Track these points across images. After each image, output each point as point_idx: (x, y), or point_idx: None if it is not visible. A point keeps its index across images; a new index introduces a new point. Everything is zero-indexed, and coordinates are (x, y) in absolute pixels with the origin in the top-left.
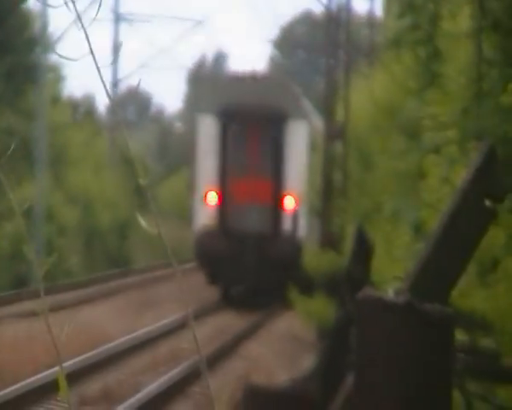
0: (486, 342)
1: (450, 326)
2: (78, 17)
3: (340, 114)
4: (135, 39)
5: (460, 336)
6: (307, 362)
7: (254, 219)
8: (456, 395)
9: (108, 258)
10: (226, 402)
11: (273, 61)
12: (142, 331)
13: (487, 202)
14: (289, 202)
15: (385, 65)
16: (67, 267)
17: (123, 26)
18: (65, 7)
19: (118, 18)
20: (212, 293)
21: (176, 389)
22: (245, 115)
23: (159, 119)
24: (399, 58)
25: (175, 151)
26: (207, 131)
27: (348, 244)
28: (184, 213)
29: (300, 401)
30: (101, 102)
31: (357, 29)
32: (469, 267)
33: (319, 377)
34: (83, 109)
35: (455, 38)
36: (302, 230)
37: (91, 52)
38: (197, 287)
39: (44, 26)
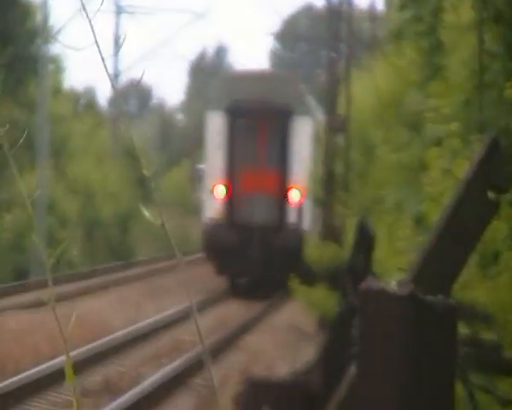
0: (488, 335)
1: (453, 318)
2: (83, 7)
3: (342, 107)
4: (136, 31)
5: (461, 328)
6: (309, 350)
7: (261, 212)
8: (458, 387)
9: (110, 249)
10: (229, 394)
11: (275, 54)
12: (143, 323)
13: (490, 194)
14: (295, 195)
15: (387, 57)
16: (69, 259)
17: (124, 18)
18: None
19: (119, 10)
20: (215, 284)
21: (177, 380)
22: (252, 111)
23: (160, 110)
24: (401, 50)
25: (176, 143)
26: (216, 126)
27: (350, 236)
28: (186, 204)
29: (302, 392)
30: (103, 94)
31: (358, 22)
32: (471, 259)
33: (321, 369)
34: (84, 101)
35: (457, 30)
36: (307, 222)
37: (96, 42)
38: (200, 278)
39: (45, 17)
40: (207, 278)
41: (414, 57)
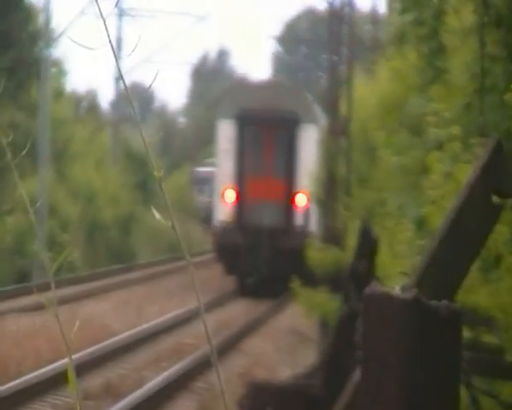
0: (489, 339)
1: (457, 322)
2: (99, 9)
3: (343, 110)
4: (138, 34)
5: (463, 332)
6: (310, 353)
7: (268, 215)
8: (462, 391)
9: (111, 253)
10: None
11: (276, 57)
12: (145, 326)
13: (495, 198)
14: (301, 200)
15: (389, 60)
16: (70, 262)
17: (126, 21)
18: (71, 1)
19: (121, 13)
20: (218, 285)
21: (179, 384)
22: (261, 120)
23: (162, 114)
24: (403, 54)
25: (178, 146)
26: (226, 134)
27: (351, 239)
28: (186, 207)
29: (304, 396)
30: (105, 98)
31: (360, 25)
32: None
33: (323, 373)
34: (86, 104)
35: (458, 33)
36: (313, 225)
37: (110, 43)
38: (205, 280)
39: (48, 20)
40: (211, 279)
41: (415, 60)
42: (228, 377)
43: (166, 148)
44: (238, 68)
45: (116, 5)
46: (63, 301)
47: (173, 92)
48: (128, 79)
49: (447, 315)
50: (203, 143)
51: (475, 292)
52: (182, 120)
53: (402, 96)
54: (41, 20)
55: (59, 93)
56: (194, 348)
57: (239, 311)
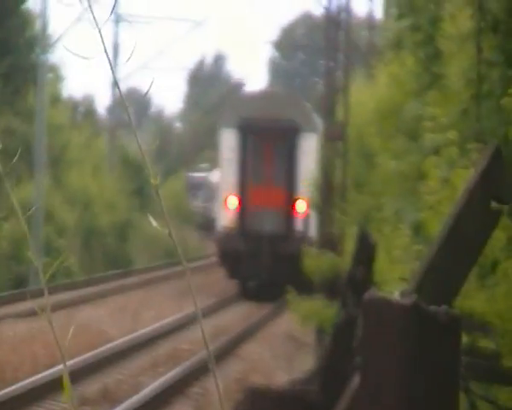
0: (486, 344)
1: (456, 328)
2: (93, 17)
3: (340, 115)
4: (135, 40)
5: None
6: (306, 359)
7: (269, 221)
8: (460, 397)
9: (107, 259)
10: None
11: (273, 63)
12: (141, 332)
13: (493, 204)
14: (301, 206)
15: (386, 66)
16: (67, 267)
17: (123, 27)
18: (65, 7)
19: (118, 19)
20: (218, 290)
21: (175, 389)
22: (262, 129)
23: (158, 119)
24: (400, 59)
25: (174, 151)
26: (228, 143)
27: (348, 245)
28: (182, 213)
29: (302, 402)
30: (101, 103)
31: (356, 31)
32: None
33: (321, 378)
34: (82, 110)
35: (455, 39)
36: (312, 231)
37: (105, 50)
38: (202, 285)
39: (44, 26)
40: (209, 285)
41: (412, 66)
42: (224, 383)
43: (163, 153)
44: (235, 74)
45: (112, 12)
46: (60, 306)
47: (170, 97)
48: (125, 85)
49: (446, 321)
50: (199, 148)
51: (472, 297)
52: (178, 125)
53: (399, 102)
54: (38, 26)
55: (55, 99)
56: (191, 354)
57: (236, 316)
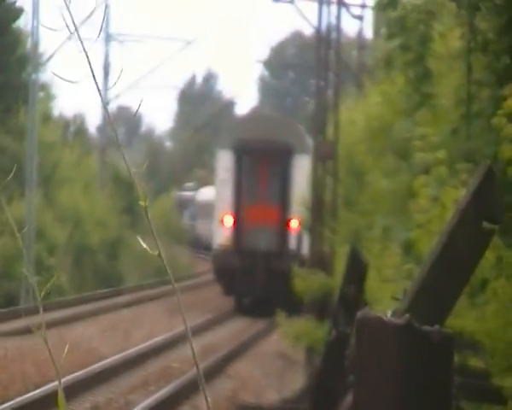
0: (475, 363)
1: (449, 347)
2: (80, 40)
3: (330, 134)
4: (124, 60)
5: None
6: (297, 377)
7: (264, 239)
8: None
9: (98, 276)
10: None
11: (263, 82)
12: (132, 350)
13: (485, 224)
14: (294, 225)
15: (376, 85)
16: (57, 285)
17: (113, 46)
18: (59, 26)
19: (108, 38)
20: (205, 310)
21: (166, 408)
22: (257, 150)
23: (149, 138)
24: (390, 78)
25: (165, 170)
26: (224, 164)
27: (338, 264)
28: (172, 232)
29: None
30: (92, 122)
31: (346, 50)
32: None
33: (312, 397)
34: (73, 128)
35: (445, 59)
36: (305, 248)
37: (92, 74)
38: (192, 303)
39: (36, 44)
40: (200, 302)
41: (402, 85)
42: (215, 401)
43: (153, 172)
44: (225, 93)
45: (100, 33)
46: (51, 324)
47: (160, 116)
48: (115, 104)
49: (439, 340)
50: (190, 167)
51: (462, 316)
52: (168, 143)
53: (389, 121)
54: (29, 44)
55: (46, 117)
56: (182, 373)
57: (228, 333)
